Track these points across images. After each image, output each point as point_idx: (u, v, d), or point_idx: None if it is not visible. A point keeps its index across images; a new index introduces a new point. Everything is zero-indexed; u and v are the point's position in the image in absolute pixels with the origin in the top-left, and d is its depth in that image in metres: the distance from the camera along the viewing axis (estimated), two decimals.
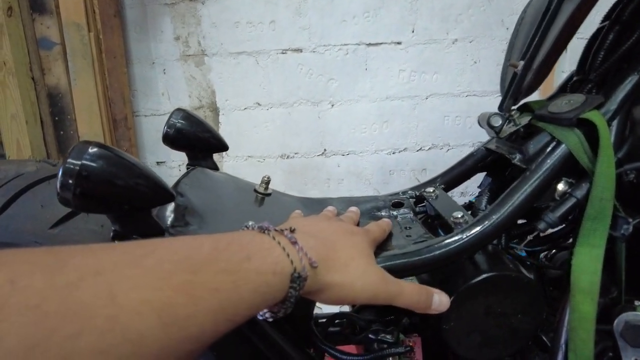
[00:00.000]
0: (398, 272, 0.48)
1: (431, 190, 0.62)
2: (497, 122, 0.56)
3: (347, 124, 1.72)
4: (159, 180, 0.41)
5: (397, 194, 0.67)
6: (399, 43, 1.67)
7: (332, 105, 1.71)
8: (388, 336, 0.55)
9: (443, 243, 0.49)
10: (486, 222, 0.50)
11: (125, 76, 1.64)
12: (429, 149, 1.77)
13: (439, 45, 1.68)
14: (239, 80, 1.68)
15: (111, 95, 1.63)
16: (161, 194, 0.40)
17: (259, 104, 1.71)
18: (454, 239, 0.49)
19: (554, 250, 0.71)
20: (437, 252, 0.48)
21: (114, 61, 1.60)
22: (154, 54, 1.67)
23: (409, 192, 0.66)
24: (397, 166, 1.77)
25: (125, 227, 0.41)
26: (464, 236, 0.49)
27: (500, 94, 0.60)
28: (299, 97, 1.70)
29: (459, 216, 0.53)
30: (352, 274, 0.38)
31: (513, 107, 0.57)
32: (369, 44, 1.66)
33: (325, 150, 1.76)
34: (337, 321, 0.62)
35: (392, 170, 1.77)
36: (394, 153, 1.76)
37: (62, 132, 1.62)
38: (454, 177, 0.65)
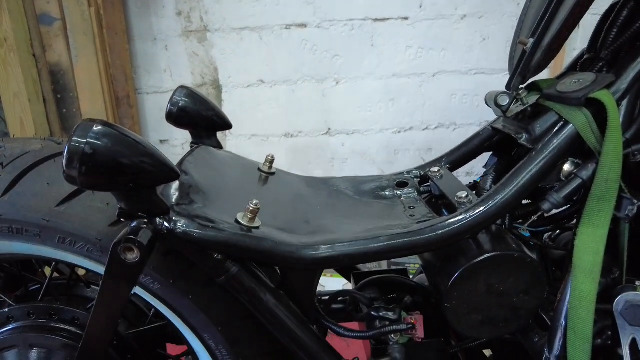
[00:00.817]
0: (401, 251, 0.48)
1: (436, 170, 0.62)
2: (505, 101, 0.55)
3: (352, 102, 1.70)
4: (164, 159, 0.41)
5: (401, 173, 0.66)
6: (406, 18, 1.63)
7: (337, 83, 1.69)
8: (390, 313, 0.56)
9: (446, 222, 0.49)
10: (490, 202, 0.50)
11: (127, 53, 1.62)
12: (435, 128, 1.75)
13: (447, 21, 1.64)
14: (242, 57, 1.66)
15: (113, 73, 1.61)
16: (166, 172, 0.40)
17: (262, 81, 1.69)
18: (457, 219, 0.49)
19: (557, 231, 0.72)
20: (440, 231, 0.49)
21: (116, 37, 1.57)
22: (156, 30, 1.64)
23: (414, 171, 0.66)
24: (402, 145, 1.76)
25: (130, 205, 0.41)
26: (468, 216, 0.49)
27: (509, 72, 0.59)
28: (303, 74, 1.67)
29: (463, 196, 0.53)
30: None
31: (521, 86, 0.56)
32: (376, 20, 1.63)
33: (329, 129, 1.74)
34: (340, 299, 0.63)
35: (397, 149, 1.76)
36: (399, 132, 1.75)
37: (64, 110, 1.62)
38: (459, 157, 0.65)
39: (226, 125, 0.66)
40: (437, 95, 1.73)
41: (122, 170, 0.38)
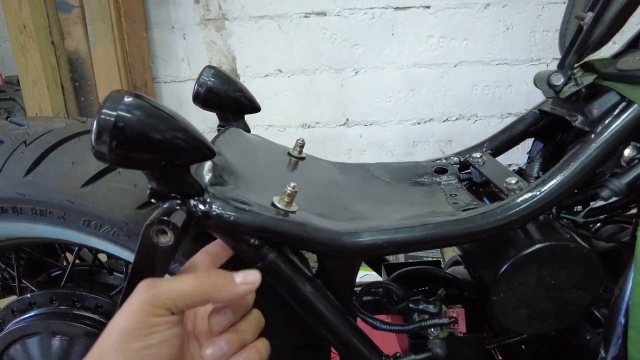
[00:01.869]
0: (448, 240, 0.45)
1: (478, 156, 0.58)
2: (559, 80, 0.51)
3: (371, 93, 1.66)
4: (199, 135, 0.37)
5: (439, 159, 0.63)
6: (428, 7, 1.58)
7: (356, 73, 1.65)
8: (431, 306, 0.52)
9: (498, 210, 0.45)
10: (545, 187, 0.46)
11: (145, 41, 1.60)
12: (456, 119, 1.71)
13: (470, 10, 1.59)
14: (260, 46, 1.63)
15: (131, 61, 1.59)
16: (201, 149, 0.37)
17: (280, 70, 1.65)
18: (509, 206, 0.45)
19: (598, 224, 0.67)
20: (492, 219, 0.45)
21: (133, 25, 1.55)
22: (173, 18, 1.62)
23: (452, 157, 0.62)
24: (421, 137, 1.71)
25: (162, 185, 0.38)
26: (520, 202, 0.46)
27: (560, 51, 0.55)
28: (322, 63, 1.64)
29: (513, 182, 0.49)
30: None
31: (575, 65, 0.52)
32: (397, 8, 1.58)
33: (347, 120, 1.71)
34: (372, 290, 0.60)
35: (417, 141, 1.72)
36: (419, 123, 1.70)
37: (82, 98, 1.60)
38: (502, 142, 0.61)
39: (254, 108, 0.63)
40: (458, 86, 1.68)
41: (156, 146, 0.35)
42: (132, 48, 1.57)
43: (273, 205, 0.43)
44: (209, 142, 0.38)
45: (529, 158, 0.61)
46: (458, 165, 0.61)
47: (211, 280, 0.35)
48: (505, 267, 0.47)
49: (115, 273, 0.61)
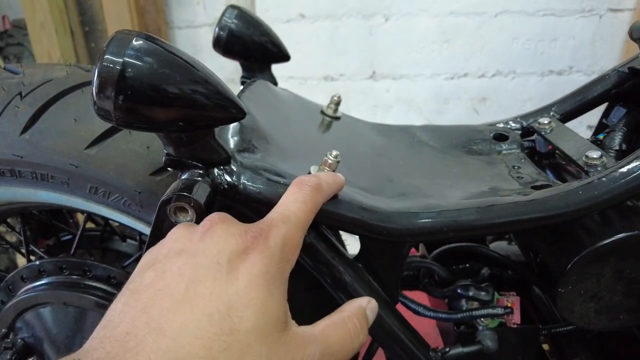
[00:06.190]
0: (520, 224, 0.37)
1: (546, 122, 0.49)
2: None
3: (402, 43, 1.53)
4: (227, 90, 0.30)
5: (495, 124, 0.54)
6: None
7: (387, 19, 1.51)
8: (482, 293, 0.46)
9: (580, 191, 0.37)
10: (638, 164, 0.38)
11: None
12: (492, 75, 1.57)
13: None
14: None
15: (143, 4, 1.48)
16: (229, 108, 0.30)
17: (303, 15, 1.52)
18: (593, 186, 0.37)
19: None
20: (572, 200, 0.37)
21: None
22: None
23: (511, 123, 0.54)
24: (454, 94, 1.59)
25: (181, 151, 0.32)
26: (607, 182, 0.38)
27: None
28: (349, 8, 1.50)
29: (595, 156, 0.41)
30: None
31: None
32: None
33: (374, 72, 1.59)
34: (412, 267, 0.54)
35: (448, 98, 1.60)
36: (452, 78, 1.57)
37: (93, 44, 1.52)
38: (574, 107, 0.52)
39: (283, 56, 0.55)
40: (497, 38, 1.53)
41: (173, 103, 0.28)
42: None
43: None
44: (238, 100, 0.31)
45: (600, 126, 0.52)
46: (520, 132, 0.52)
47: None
48: (579, 256, 0.40)
49: (128, 240, 0.56)
